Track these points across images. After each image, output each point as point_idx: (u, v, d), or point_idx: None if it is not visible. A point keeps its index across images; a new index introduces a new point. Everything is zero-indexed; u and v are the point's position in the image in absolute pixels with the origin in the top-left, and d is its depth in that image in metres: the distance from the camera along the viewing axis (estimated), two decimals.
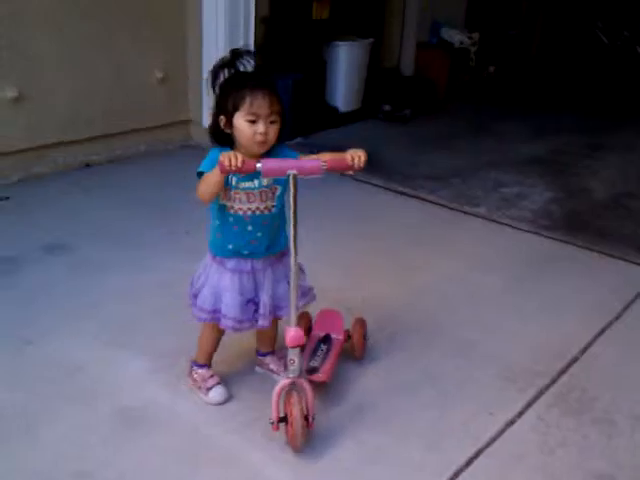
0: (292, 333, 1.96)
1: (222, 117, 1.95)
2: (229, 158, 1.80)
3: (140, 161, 4.26)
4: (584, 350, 2.60)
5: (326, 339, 2.39)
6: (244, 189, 1.99)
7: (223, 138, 1.98)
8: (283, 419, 1.99)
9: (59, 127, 3.92)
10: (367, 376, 2.37)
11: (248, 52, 2.01)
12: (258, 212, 2.03)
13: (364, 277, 3.03)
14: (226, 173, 1.86)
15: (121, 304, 2.72)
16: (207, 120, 4.39)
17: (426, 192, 4.11)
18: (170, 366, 2.36)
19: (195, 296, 2.14)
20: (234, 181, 1.97)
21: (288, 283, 2.03)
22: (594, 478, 2.00)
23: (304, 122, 4.58)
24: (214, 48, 4.30)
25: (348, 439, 2.08)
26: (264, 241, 2.06)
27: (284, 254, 2.10)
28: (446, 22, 6.20)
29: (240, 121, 1.91)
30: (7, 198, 3.60)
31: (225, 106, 1.93)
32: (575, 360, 2.53)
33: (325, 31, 5.13)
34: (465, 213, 3.87)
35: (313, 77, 5.02)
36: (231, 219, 2.03)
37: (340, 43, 5.23)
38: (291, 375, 1.99)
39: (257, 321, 2.11)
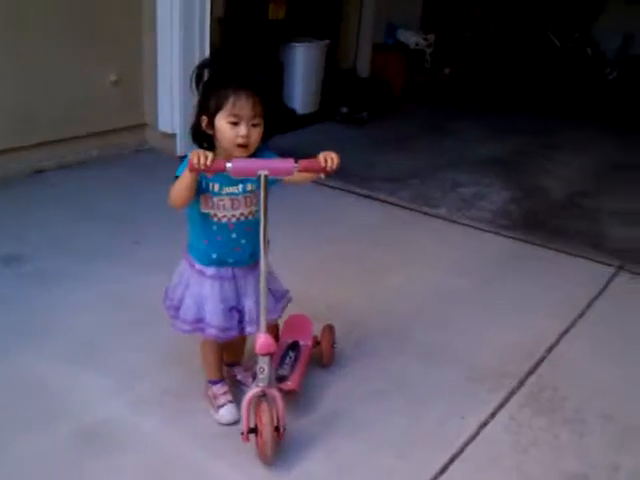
0: (262, 340, 1.89)
1: (204, 117, 1.88)
2: (198, 156, 1.74)
3: (93, 166, 4.13)
4: (551, 349, 2.61)
5: (294, 346, 2.34)
6: (228, 195, 1.92)
7: (204, 139, 1.91)
8: (253, 430, 1.92)
9: (7, 133, 3.76)
10: (336, 383, 2.32)
11: (229, 51, 1.96)
12: (243, 218, 1.96)
13: (328, 281, 2.98)
14: (195, 172, 1.78)
15: (77, 318, 2.60)
16: (163, 124, 4.35)
17: (385, 194, 4.10)
18: (133, 383, 2.27)
19: (176, 308, 2.04)
20: (217, 187, 1.90)
21: (269, 289, 1.98)
22: (567, 477, 1.99)
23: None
24: (169, 50, 4.21)
25: (319, 449, 2.02)
26: (248, 248, 1.99)
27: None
28: (402, 24, 6.21)
29: (222, 122, 1.85)
30: None
31: (207, 106, 1.87)
32: (543, 359, 2.53)
33: (281, 32, 5.07)
34: (425, 214, 3.87)
35: (270, 79, 4.96)
36: (215, 227, 1.96)
37: (297, 44, 5.18)
38: (261, 384, 1.92)
39: (244, 329, 2.03)
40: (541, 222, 3.87)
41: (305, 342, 2.35)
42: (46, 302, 2.69)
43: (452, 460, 2.01)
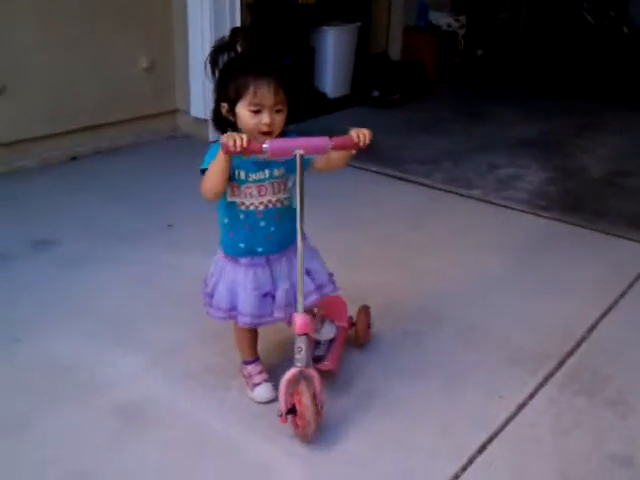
0: (300, 321, 1.87)
1: (224, 104, 1.84)
2: (234, 139, 1.69)
3: (127, 153, 4.16)
4: (591, 329, 2.55)
5: None
6: (255, 182, 1.88)
7: (227, 125, 1.86)
8: (291, 411, 1.91)
9: (43, 120, 3.81)
10: (372, 364, 2.31)
11: (248, 30, 1.91)
12: (270, 205, 1.92)
13: (363, 263, 2.96)
14: (231, 155, 1.74)
15: (111, 299, 2.63)
16: (195, 109, 4.36)
17: (420, 176, 4.05)
18: (167, 359, 2.28)
19: (210, 295, 2.03)
20: (243, 175, 1.87)
21: (307, 271, 1.95)
22: (611, 460, 1.94)
23: (293, 109, 4.49)
24: (200, 35, 4.21)
25: (357, 429, 2.01)
26: (278, 236, 1.96)
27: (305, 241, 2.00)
28: (433, 5, 6.12)
29: (243, 111, 1.80)
30: None
31: (227, 93, 1.82)
32: (583, 340, 2.48)
33: (312, 16, 5.04)
34: (460, 195, 3.81)
35: (301, 63, 4.93)
36: (242, 216, 1.93)
37: (327, 28, 5.14)
38: (299, 364, 1.90)
39: (272, 314, 1.98)
40: (579, 202, 3.78)
41: (341, 323, 2.34)
42: (79, 283, 2.72)
43: (490, 440, 1.98)
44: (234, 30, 1.92)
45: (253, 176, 1.88)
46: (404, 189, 3.90)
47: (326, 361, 2.17)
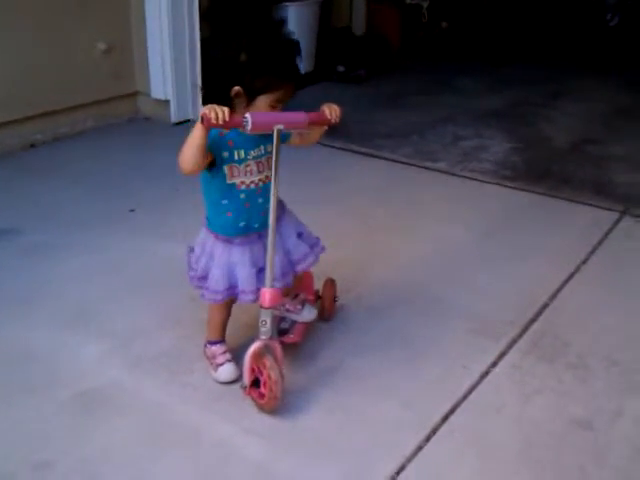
0: (269, 294, 1.89)
1: (238, 88, 1.81)
2: (215, 111, 1.69)
3: (87, 137, 4.09)
4: (554, 296, 2.57)
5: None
6: (254, 158, 1.91)
7: (221, 103, 1.79)
8: (256, 382, 1.93)
9: None
10: (337, 338, 2.31)
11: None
12: (268, 181, 1.93)
13: (330, 239, 2.87)
14: (211, 127, 1.73)
15: (73, 287, 2.59)
16: (156, 91, 4.29)
17: (386, 151, 4.04)
18: (129, 346, 2.26)
19: (202, 278, 2.03)
20: (243, 153, 1.88)
21: (298, 234, 2.06)
22: (573, 423, 1.97)
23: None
24: (157, 15, 4.14)
25: (320, 404, 2.01)
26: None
27: (283, 210, 2.06)
28: None
29: (263, 103, 1.83)
30: None
31: (252, 82, 1.81)
32: (546, 306, 2.50)
33: None
34: (426, 169, 3.81)
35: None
36: (242, 196, 1.94)
37: (288, 4, 5.07)
38: (263, 337, 1.92)
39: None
40: (544, 171, 3.80)
41: (307, 296, 2.34)
42: (40, 272, 2.68)
43: (454, 409, 1.99)
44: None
45: (252, 153, 1.91)
46: (370, 164, 3.88)
47: (291, 334, 2.19)
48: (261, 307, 1.91)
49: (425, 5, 6.12)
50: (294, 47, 1.92)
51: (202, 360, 2.16)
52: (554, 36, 6.46)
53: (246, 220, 1.97)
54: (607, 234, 3.03)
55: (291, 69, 1.87)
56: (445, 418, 1.96)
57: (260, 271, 1.98)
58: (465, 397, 2.04)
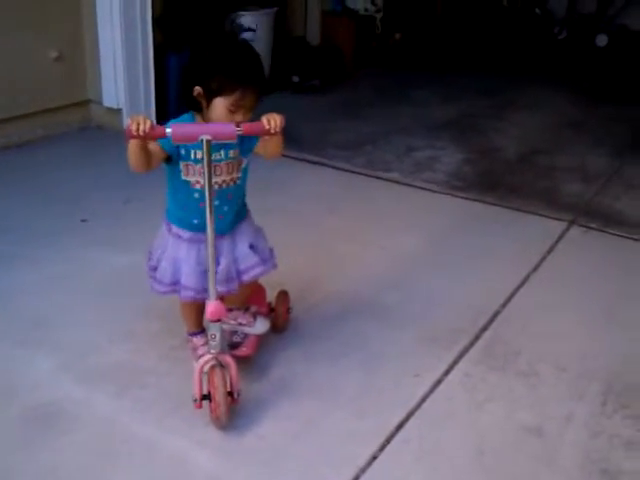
0: (212, 307, 1.88)
1: (198, 88, 1.85)
2: (137, 122, 1.70)
3: (39, 146, 4.00)
4: (504, 304, 2.62)
5: None
6: (212, 161, 1.87)
7: (194, 104, 1.88)
8: (206, 397, 1.91)
9: None
10: (290, 348, 2.31)
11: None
12: (225, 185, 1.95)
13: (282, 249, 2.90)
14: (132, 138, 1.73)
15: (23, 299, 2.54)
16: (108, 99, 4.22)
17: (339, 160, 4.06)
18: (80, 360, 2.22)
19: (154, 269, 2.06)
20: (199, 155, 1.86)
21: (250, 245, 2.05)
22: (523, 430, 2.01)
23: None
24: (109, 22, 4.08)
25: (273, 414, 2.01)
26: (229, 215, 2.01)
27: (244, 218, 2.09)
28: None
29: (220, 105, 1.85)
30: None
31: (207, 82, 1.84)
32: (497, 314, 2.55)
33: (227, 1, 4.95)
34: (379, 179, 3.84)
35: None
36: (196, 195, 1.94)
37: (243, 13, 5.07)
38: (213, 351, 1.92)
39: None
40: (495, 182, 3.87)
41: (260, 309, 2.32)
42: None
43: (408, 418, 2.01)
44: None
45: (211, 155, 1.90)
46: (323, 174, 3.90)
47: (243, 347, 2.18)
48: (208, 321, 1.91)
49: (379, 17, 6.19)
50: (250, 52, 1.93)
51: (155, 374, 2.14)
52: (505, 48, 6.60)
53: (199, 219, 1.94)
54: (556, 243, 3.10)
55: (246, 72, 1.86)
56: (399, 427, 1.97)
57: (206, 272, 1.96)
58: (418, 406, 2.06)
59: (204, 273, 1.97)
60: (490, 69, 6.35)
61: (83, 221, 3.12)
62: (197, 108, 1.90)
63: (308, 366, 2.22)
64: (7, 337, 2.32)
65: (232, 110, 1.85)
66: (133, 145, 1.77)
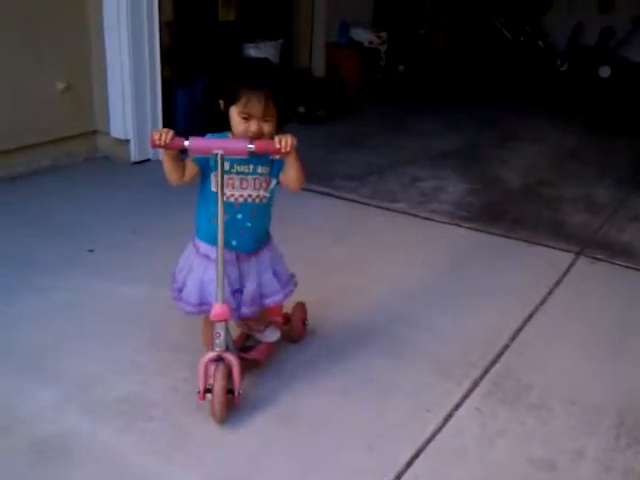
0: (218, 309, 1.97)
1: (221, 102, 1.98)
2: (160, 133, 1.85)
3: (45, 176, 4.02)
4: (514, 337, 2.60)
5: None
6: (238, 173, 1.99)
7: (224, 118, 1.99)
8: (209, 390, 2.01)
9: None
10: (297, 380, 2.28)
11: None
12: (250, 200, 2.03)
13: None
14: (156, 148, 1.88)
15: (28, 330, 2.51)
16: (116, 130, 4.26)
17: (345, 191, 4.07)
18: (85, 391, 2.19)
19: (179, 290, 2.12)
20: (227, 165, 1.95)
21: (274, 272, 2.13)
22: (535, 464, 1.98)
23: (218, 127, 4.45)
24: (118, 55, 4.13)
25: (281, 449, 1.98)
26: (252, 232, 2.07)
27: (267, 243, 2.16)
28: (354, 22, 6.19)
29: (234, 115, 1.95)
30: None
31: (224, 94, 1.96)
32: (506, 348, 2.53)
33: (233, 33, 5.02)
34: (386, 209, 3.85)
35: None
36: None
37: (249, 45, 5.13)
38: (217, 349, 2.01)
39: (240, 310, 2.10)
40: (500, 212, 3.88)
41: (274, 318, 2.37)
42: None
43: (418, 454, 1.98)
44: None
45: (237, 168, 1.99)
46: (329, 204, 3.90)
47: (253, 351, 2.26)
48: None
49: (383, 49, 6.26)
50: (261, 63, 2.08)
51: (161, 406, 2.12)
52: (508, 80, 6.66)
53: (226, 232, 1.99)
54: (564, 275, 3.09)
55: (251, 78, 1.94)
56: (409, 463, 1.94)
57: (233, 293, 2.06)
58: (429, 441, 2.03)
59: (233, 294, 2.07)
60: (493, 101, 6.41)
61: (90, 251, 3.11)
62: (224, 118, 2.00)
63: (316, 399, 2.20)
64: (11, 367, 2.30)
65: (244, 117, 1.92)
66: (164, 156, 1.92)
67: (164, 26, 4.38)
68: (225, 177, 1.95)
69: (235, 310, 2.09)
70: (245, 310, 2.10)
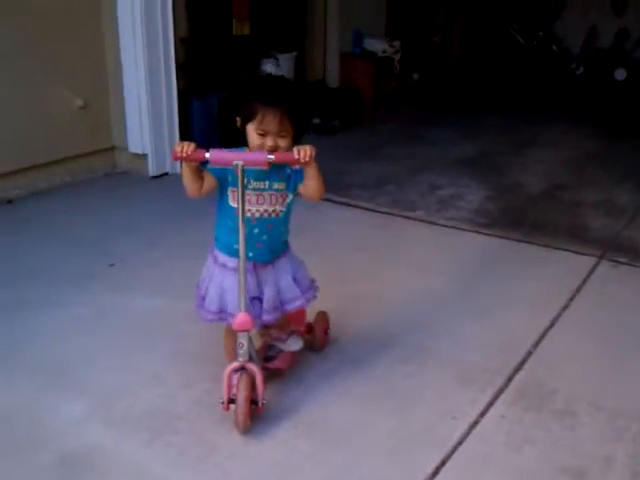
0: (240, 319, 1.99)
1: (238, 119, 2.02)
2: (182, 146, 1.89)
3: (65, 192, 4.06)
4: (537, 343, 2.58)
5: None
6: (255, 190, 2.02)
7: (241, 135, 2.02)
8: (233, 400, 2.02)
9: None
10: (321, 388, 2.28)
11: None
12: (266, 215, 2.06)
13: None
14: (177, 160, 1.92)
15: (52, 344, 2.53)
16: (133, 145, 4.30)
17: (363, 200, 4.07)
18: (109, 405, 2.20)
19: (203, 298, 2.15)
20: (245, 181, 1.98)
21: (293, 278, 2.16)
22: (563, 472, 1.95)
23: (234, 142, 4.47)
24: (134, 71, 4.17)
25: (306, 460, 1.97)
26: (269, 245, 2.10)
27: (285, 253, 2.18)
28: (367, 31, 6.21)
29: (251, 131, 1.98)
30: None
31: (241, 111, 2.00)
32: (530, 354, 2.50)
33: (247, 47, 5.05)
34: (404, 217, 3.84)
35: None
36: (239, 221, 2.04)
37: (267, 60, 5.16)
38: (240, 359, 2.03)
39: (261, 317, 2.12)
40: (520, 218, 3.86)
41: (297, 327, 2.38)
42: (17, 330, 2.61)
43: (444, 462, 1.96)
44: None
45: (254, 184, 2.02)
46: (347, 214, 3.90)
47: (276, 360, 2.28)
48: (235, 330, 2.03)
49: (397, 58, 6.26)
50: (276, 81, 2.12)
51: (186, 419, 2.12)
52: (523, 85, 6.64)
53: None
54: (586, 280, 3.07)
55: (266, 95, 1.97)
56: (435, 472, 1.93)
57: (252, 300, 2.08)
58: (454, 449, 2.02)
59: (250, 301, 2.07)
60: (509, 107, 6.38)
61: (111, 265, 3.13)
62: (241, 136, 2.02)
63: (340, 408, 2.19)
64: (35, 382, 2.31)
65: (260, 134, 1.96)
66: (185, 168, 1.97)
67: (179, 42, 4.42)
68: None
69: (257, 318, 2.10)
70: (267, 317, 2.12)
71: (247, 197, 2.00)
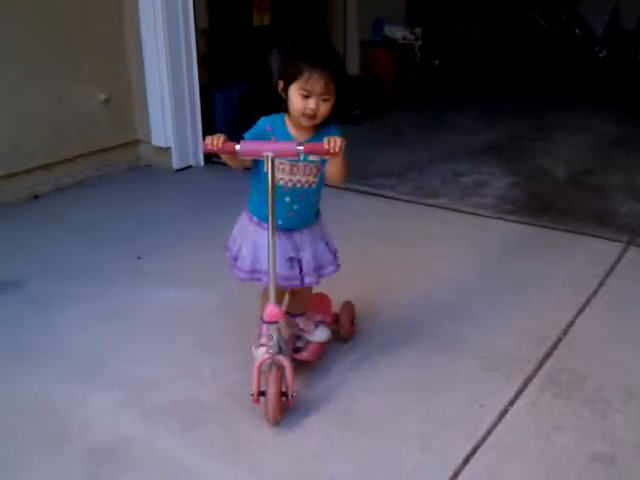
0: (270, 310, 2.00)
1: (281, 82, 2.00)
2: (212, 139, 1.92)
3: (90, 186, 4.10)
4: (566, 330, 2.55)
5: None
6: (291, 160, 2.01)
7: (280, 101, 2.01)
8: (263, 393, 2.03)
9: (1, 160, 3.74)
10: (349, 379, 2.28)
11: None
12: (299, 185, 2.07)
13: (334, 280, 2.90)
14: (209, 152, 1.96)
15: (81, 337, 2.56)
16: (157, 139, 4.32)
17: (386, 189, 4.06)
18: (140, 396, 2.22)
19: (235, 258, 2.17)
20: None
21: (326, 243, 2.19)
22: (595, 459, 1.94)
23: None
24: (156, 65, 4.19)
25: (337, 449, 1.98)
26: (300, 214, 2.12)
27: (316, 221, 2.20)
28: (388, 19, 6.17)
29: (294, 92, 1.96)
30: None
31: (285, 73, 1.98)
32: (559, 341, 2.49)
33: (268, 38, 5.04)
34: (427, 205, 3.82)
35: (261, 85, 4.92)
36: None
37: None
38: (270, 351, 2.04)
39: (303, 279, 2.14)
40: (546, 204, 3.82)
41: (324, 317, 2.39)
42: (46, 324, 2.65)
43: (475, 450, 1.96)
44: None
45: None
46: (371, 202, 3.89)
47: (304, 352, 2.28)
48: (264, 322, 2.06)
49: (417, 45, 6.22)
50: (321, 42, 2.14)
51: (217, 410, 2.14)
52: (546, 69, 6.56)
53: (276, 213, 2.01)
54: (614, 265, 3.03)
55: (311, 55, 1.96)
56: (466, 461, 1.92)
57: (290, 259, 2.10)
58: (485, 438, 2.01)
59: (286, 261, 2.10)
60: (532, 91, 6.32)
61: (139, 258, 3.16)
62: (282, 102, 2.01)
63: (369, 398, 2.20)
64: (64, 375, 2.34)
65: (304, 95, 1.94)
66: (224, 156, 2.00)
67: (200, 34, 4.42)
68: (276, 161, 1.97)
69: (295, 280, 2.13)
70: (308, 280, 2.14)
71: (281, 166, 2.02)
